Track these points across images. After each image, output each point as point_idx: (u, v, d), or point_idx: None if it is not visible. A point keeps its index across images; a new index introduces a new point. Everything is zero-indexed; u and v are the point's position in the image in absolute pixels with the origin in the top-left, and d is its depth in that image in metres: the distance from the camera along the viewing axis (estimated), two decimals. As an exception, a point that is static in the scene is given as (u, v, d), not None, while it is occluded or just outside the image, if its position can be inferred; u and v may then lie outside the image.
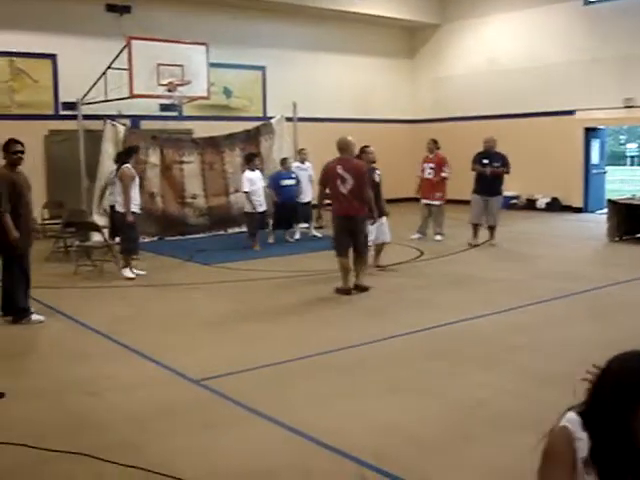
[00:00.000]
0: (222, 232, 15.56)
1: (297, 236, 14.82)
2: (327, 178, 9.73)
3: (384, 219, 11.02)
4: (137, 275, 10.93)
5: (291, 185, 14.53)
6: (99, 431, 5.01)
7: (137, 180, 11.05)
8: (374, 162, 10.99)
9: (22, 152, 8.14)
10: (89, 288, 10.21)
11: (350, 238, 9.69)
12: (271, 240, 14.40)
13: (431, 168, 14.40)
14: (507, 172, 13.43)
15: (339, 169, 9.56)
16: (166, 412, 5.38)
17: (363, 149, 10.92)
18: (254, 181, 13.56)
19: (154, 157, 14.92)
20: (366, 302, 9.16)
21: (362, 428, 5.00)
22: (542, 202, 20.08)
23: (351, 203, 9.54)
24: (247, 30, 19.73)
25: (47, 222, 15.33)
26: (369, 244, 10.43)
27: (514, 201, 20.25)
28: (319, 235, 15.09)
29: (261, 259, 12.33)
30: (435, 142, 14.73)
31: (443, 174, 14.32)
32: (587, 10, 19.26)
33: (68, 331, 7.95)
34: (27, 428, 5.05)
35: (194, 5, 18.48)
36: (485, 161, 13.42)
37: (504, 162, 13.42)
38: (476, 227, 13.50)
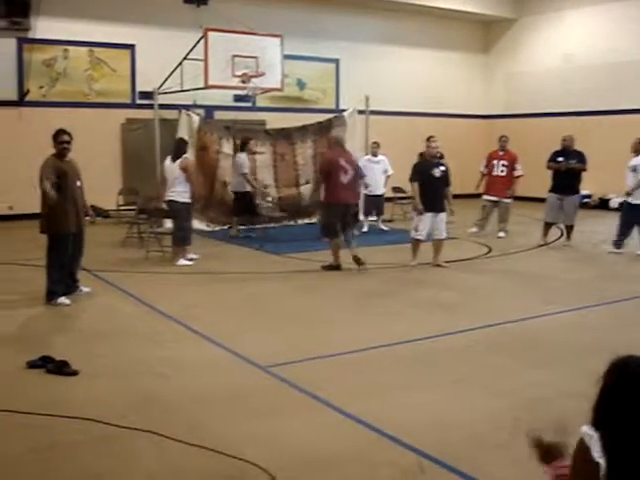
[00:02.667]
0: (292, 223, 15.69)
1: (365, 229, 14.86)
2: (330, 169, 10.60)
3: (443, 215, 10.95)
4: (192, 260, 11.23)
5: None
6: (166, 411, 5.18)
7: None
8: (437, 157, 11.11)
9: (68, 142, 8.54)
10: (159, 273, 10.45)
11: (341, 222, 10.66)
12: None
13: (504, 165, 14.25)
14: (583, 169, 13.15)
15: (342, 161, 10.56)
16: (232, 396, 5.52)
17: (428, 143, 11.06)
18: None
19: (227, 147, 15.12)
20: (430, 296, 9.16)
21: (424, 421, 5.05)
22: (615, 202, 19.65)
23: (351, 192, 10.71)
24: (321, 23, 19.82)
25: (122, 208, 15.74)
26: (422, 238, 10.84)
27: (586, 200, 19.85)
28: (386, 228, 15.14)
29: (329, 251, 12.40)
30: (507, 138, 14.61)
31: (517, 172, 14.23)
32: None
33: (138, 313, 8.19)
34: (97, 405, 5.25)
35: (270, -3, 18.66)
36: (560, 159, 13.17)
37: (581, 159, 13.11)
38: (548, 226, 13.26)
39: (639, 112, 18.97)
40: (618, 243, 12.38)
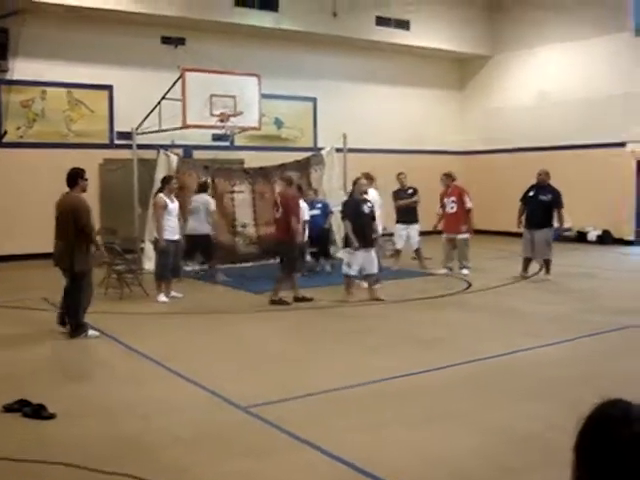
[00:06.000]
0: (271, 261, 15.64)
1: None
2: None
3: (372, 250, 11.10)
4: (172, 297, 11.36)
5: (315, 215, 14.31)
6: (147, 453, 5.10)
7: (171, 208, 11.44)
8: (365, 194, 11.36)
9: None
10: (138, 314, 10.37)
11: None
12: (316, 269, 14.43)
13: (453, 202, 13.97)
14: (556, 206, 13.25)
15: (278, 199, 11.19)
16: (212, 437, 5.46)
17: (355, 181, 11.38)
18: None
19: (205, 187, 15.12)
20: (411, 332, 9.15)
21: (408, 457, 5.01)
22: (593, 235, 19.84)
23: (278, 228, 11.18)
24: (298, 62, 20.00)
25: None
26: (354, 274, 11.02)
27: (565, 233, 20.01)
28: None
29: (305, 288, 12.37)
30: (448, 175, 14.35)
31: (467, 205, 13.98)
32: (638, 41, 19.11)
33: (117, 354, 8.11)
34: (77, 448, 5.16)
35: (247, 37, 18.80)
36: (531, 193, 13.31)
37: (554, 196, 13.20)
38: (527, 261, 13.39)
39: (614, 146, 19.22)
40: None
